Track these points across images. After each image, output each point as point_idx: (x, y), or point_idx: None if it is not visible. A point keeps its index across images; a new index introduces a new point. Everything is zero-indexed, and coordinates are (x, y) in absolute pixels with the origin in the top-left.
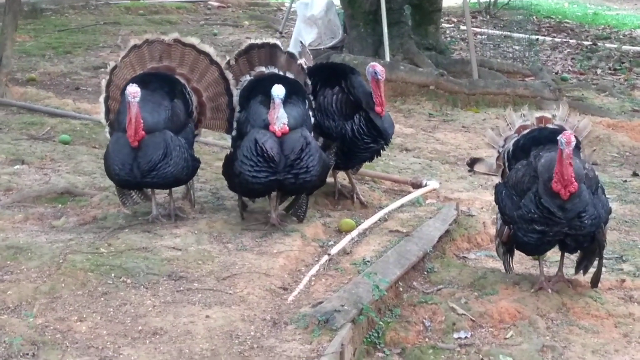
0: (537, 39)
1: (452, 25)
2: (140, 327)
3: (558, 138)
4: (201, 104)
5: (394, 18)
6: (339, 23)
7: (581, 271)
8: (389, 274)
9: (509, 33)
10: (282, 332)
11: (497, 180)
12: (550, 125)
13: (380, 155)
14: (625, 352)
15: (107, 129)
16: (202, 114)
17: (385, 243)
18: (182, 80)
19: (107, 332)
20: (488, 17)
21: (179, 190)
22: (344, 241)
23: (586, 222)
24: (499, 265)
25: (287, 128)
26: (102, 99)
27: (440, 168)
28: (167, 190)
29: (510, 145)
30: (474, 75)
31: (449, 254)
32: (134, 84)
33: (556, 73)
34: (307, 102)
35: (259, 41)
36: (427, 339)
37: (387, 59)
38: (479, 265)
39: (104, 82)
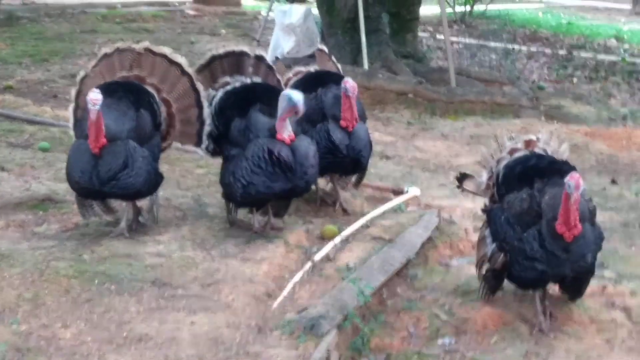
0: (514, 48)
1: (429, 34)
2: (125, 334)
3: (566, 181)
4: (170, 115)
5: (372, 26)
6: (317, 31)
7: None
8: (374, 280)
9: (485, 42)
10: (267, 338)
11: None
12: (537, 150)
13: (355, 171)
14: (608, 357)
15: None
16: (171, 126)
17: (369, 249)
18: (152, 90)
19: (91, 339)
20: (464, 26)
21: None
22: (327, 248)
23: (589, 260)
24: None
25: (294, 135)
26: (71, 108)
27: (420, 175)
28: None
29: (501, 168)
30: (452, 83)
31: (432, 261)
32: (96, 91)
33: (533, 82)
34: None
35: (222, 51)
36: (411, 345)
37: (366, 67)
38: (462, 272)
39: (73, 92)
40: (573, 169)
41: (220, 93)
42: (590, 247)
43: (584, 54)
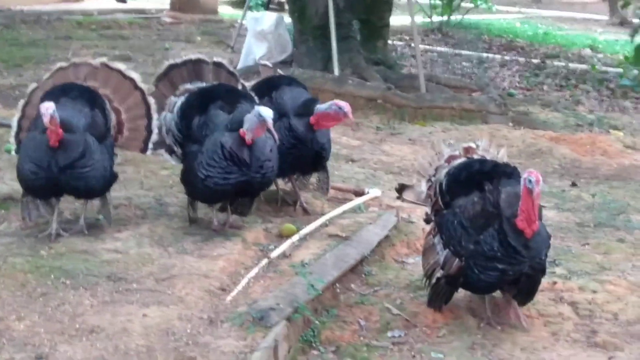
0: (488, 57)
1: (404, 42)
2: (77, 326)
3: (525, 177)
4: (120, 122)
5: (343, 33)
6: (289, 38)
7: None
8: (327, 276)
9: (459, 51)
10: (217, 329)
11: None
12: (477, 156)
13: (316, 167)
14: (552, 349)
15: (14, 148)
16: (120, 132)
17: (325, 247)
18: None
19: (44, 330)
20: (440, 35)
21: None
22: (285, 245)
23: (543, 257)
24: None
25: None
26: (15, 119)
27: (383, 177)
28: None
29: (442, 175)
30: (422, 89)
31: (388, 259)
32: (48, 102)
33: (503, 89)
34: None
35: (178, 60)
36: (362, 338)
37: (336, 73)
38: (417, 269)
39: (21, 103)
40: (516, 170)
41: (182, 98)
42: (545, 243)
43: (557, 63)
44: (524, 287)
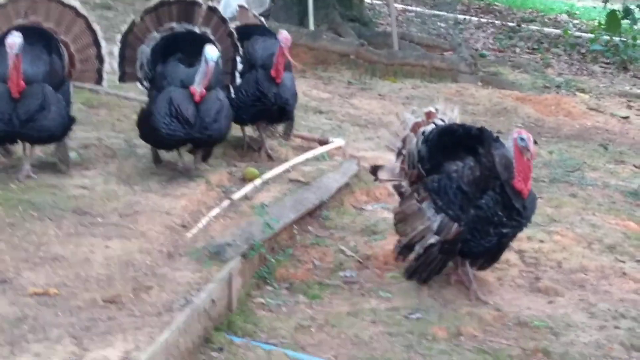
0: (464, 19)
1: (382, 1)
2: (42, 254)
3: (516, 136)
4: (70, 55)
5: None
6: None
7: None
8: (284, 217)
9: (437, 12)
10: (176, 262)
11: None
12: (437, 120)
13: (282, 119)
14: (497, 293)
15: None
16: (72, 66)
17: (285, 191)
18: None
19: (10, 258)
20: None
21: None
22: (246, 188)
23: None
24: (391, 215)
25: (205, 91)
26: None
27: (349, 129)
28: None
29: (413, 145)
30: (395, 46)
31: (347, 205)
32: (15, 34)
33: (476, 50)
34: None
35: None
36: (315, 276)
37: (312, 28)
38: (374, 215)
39: None
40: (492, 134)
41: (158, 38)
42: (536, 202)
43: (532, 27)
44: (500, 251)
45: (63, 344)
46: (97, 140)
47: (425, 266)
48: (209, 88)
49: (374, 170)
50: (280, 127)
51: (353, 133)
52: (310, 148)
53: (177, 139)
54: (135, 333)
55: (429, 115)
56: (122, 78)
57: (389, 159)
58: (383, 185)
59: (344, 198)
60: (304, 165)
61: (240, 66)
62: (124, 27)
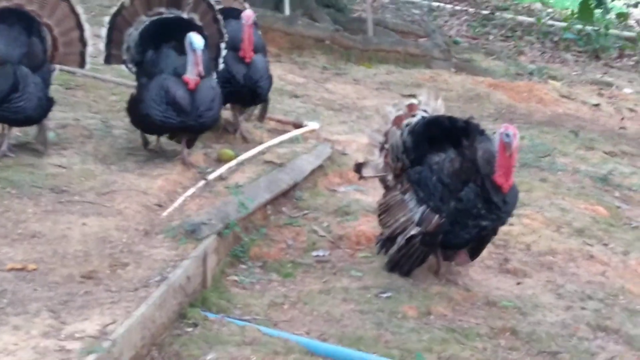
0: (438, 6)
1: None
2: (20, 231)
3: (502, 132)
4: (53, 38)
5: None
6: None
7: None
8: (258, 197)
9: None
10: (152, 240)
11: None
12: (420, 112)
13: (255, 101)
14: (465, 274)
15: None
16: (55, 49)
17: (260, 172)
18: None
19: None
20: None
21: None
22: (222, 169)
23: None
24: (364, 197)
25: (199, 80)
26: None
27: (324, 113)
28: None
29: (397, 138)
30: (369, 32)
31: (320, 186)
32: None
33: (450, 37)
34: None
35: None
36: (287, 255)
37: (287, 13)
38: (346, 197)
39: None
40: (478, 127)
41: (147, 22)
42: (517, 197)
43: (506, 15)
44: (484, 243)
45: (41, 318)
46: (74, 121)
47: (407, 258)
48: (202, 76)
49: (358, 167)
50: (256, 110)
51: (327, 117)
52: (285, 131)
53: (170, 126)
54: (112, 307)
55: (410, 107)
56: (108, 60)
57: (364, 143)
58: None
59: (318, 180)
60: (278, 148)
61: (224, 52)
62: (113, 10)
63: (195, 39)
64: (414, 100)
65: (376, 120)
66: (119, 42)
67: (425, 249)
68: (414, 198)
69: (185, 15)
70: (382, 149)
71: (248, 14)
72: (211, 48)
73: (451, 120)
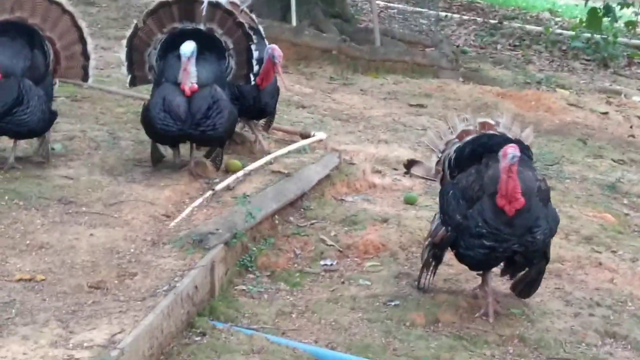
0: (446, 16)
1: None
2: (28, 242)
3: (502, 153)
4: (55, 52)
5: None
6: None
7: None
8: (266, 207)
9: (419, 9)
10: (159, 250)
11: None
12: (494, 132)
13: (262, 117)
14: (475, 282)
15: None
16: (58, 63)
17: (267, 182)
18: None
19: None
20: None
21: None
22: (229, 179)
23: (538, 237)
24: (371, 206)
25: (196, 86)
26: None
27: (331, 123)
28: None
29: (452, 151)
30: (376, 42)
31: (328, 196)
32: None
33: (457, 46)
34: (225, 56)
35: None
36: (295, 265)
37: (294, 23)
38: (354, 206)
39: None
40: (524, 145)
41: (165, 37)
42: (538, 223)
43: (514, 24)
44: (519, 266)
45: (50, 327)
46: (80, 133)
47: (423, 271)
48: (201, 84)
49: (410, 163)
50: (262, 121)
51: (334, 127)
52: (292, 141)
53: (171, 134)
54: (120, 317)
55: (483, 125)
56: (133, 82)
57: (371, 152)
58: (365, 178)
59: (325, 189)
60: (286, 158)
61: (256, 54)
62: (128, 32)
63: (184, 46)
64: (489, 120)
65: (441, 127)
66: (140, 63)
67: (434, 261)
68: (439, 210)
69: (202, 27)
70: (439, 154)
71: (280, 54)
72: (240, 52)
73: (489, 137)
